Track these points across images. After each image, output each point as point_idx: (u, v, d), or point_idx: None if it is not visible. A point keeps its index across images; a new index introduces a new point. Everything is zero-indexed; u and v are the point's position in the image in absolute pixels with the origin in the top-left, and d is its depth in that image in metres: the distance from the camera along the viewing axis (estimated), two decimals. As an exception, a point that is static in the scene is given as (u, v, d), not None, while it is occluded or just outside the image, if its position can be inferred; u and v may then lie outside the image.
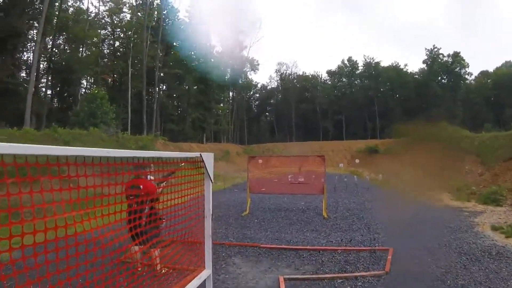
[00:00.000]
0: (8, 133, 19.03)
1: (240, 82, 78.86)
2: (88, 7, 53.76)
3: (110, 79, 53.36)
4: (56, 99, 53.78)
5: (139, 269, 5.58)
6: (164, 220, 6.07)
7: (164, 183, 7.74)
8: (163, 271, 5.93)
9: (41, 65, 46.46)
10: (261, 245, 8.29)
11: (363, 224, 10.93)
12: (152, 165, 7.11)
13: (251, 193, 13.93)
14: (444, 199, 17.55)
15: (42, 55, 45.02)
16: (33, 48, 36.61)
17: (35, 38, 36.14)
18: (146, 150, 26.39)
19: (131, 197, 6.14)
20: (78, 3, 51.20)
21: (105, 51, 57.47)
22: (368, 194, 19.06)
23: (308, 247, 8.21)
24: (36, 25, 37.74)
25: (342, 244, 8.51)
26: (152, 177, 7.98)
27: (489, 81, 75.00)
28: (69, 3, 50.23)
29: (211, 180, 4.49)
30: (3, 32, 33.03)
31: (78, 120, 32.20)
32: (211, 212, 4.62)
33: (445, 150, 26.71)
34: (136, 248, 5.76)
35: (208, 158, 4.37)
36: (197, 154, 4.22)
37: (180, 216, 4.60)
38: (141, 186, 6.15)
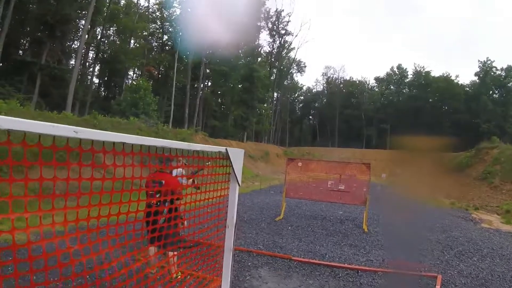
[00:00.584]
0: (46, 116, 18.97)
1: (285, 83, 78.22)
2: (138, 1, 54.04)
3: (154, 71, 53.56)
4: (103, 88, 54.90)
5: (153, 271, 4.94)
6: (184, 220, 5.43)
7: (189, 181, 7.12)
8: (179, 276, 5.32)
9: (90, 54, 47.44)
10: (293, 258, 7.45)
11: (407, 243, 9.92)
12: (180, 159, 6.54)
13: (287, 198, 13.11)
14: (494, 221, 16.24)
15: (92, 45, 45.92)
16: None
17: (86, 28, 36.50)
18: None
19: (151, 194, 5.56)
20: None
21: (153, 44, 57.97)
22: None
23: (345, 265, 7.32)
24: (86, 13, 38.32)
25: (383, 265, 7.57)
26: (181, 172, 7.38)
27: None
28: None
29: (238, 183, 3.70)
30: (53, 18, 33.68)
31: (120, 109, 32.32)
32: (235, 221, 3.86)
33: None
34: (153, 250, 5.17)
35: (237, 156, 3.60)
36: (222, 148, 3.43)
37: (195, 225, 3.90)
38: (163, 182, 5.49)
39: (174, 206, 5.02)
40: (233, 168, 3.54)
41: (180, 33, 52.96)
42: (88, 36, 44.16)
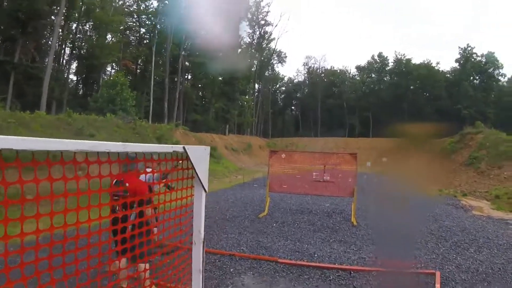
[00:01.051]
0: (17, 116, 18.00)
1: (266, 74, 77.57)
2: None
3: (131, 66, 52.42)
4: (81, 86, 53.60)
5: (124, 286, 4.31)
6: (157, 227, 4.81)
7: (159, 186, 6.50)
8: (153, 288, 4.70)
9: (67, 51, 46.31)
10: (280, 260, 6.82)
11: (399, 236, 9.38)
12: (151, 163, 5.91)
13: (271, 192, 12.49)
14: (484, 208, 15.89)
15: (68, 41, 44.69)
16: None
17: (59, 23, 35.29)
18: (164, 139, 25.43)
19: (115, 197, 4.87)
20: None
21: (130, 38, 56.79)
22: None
23: (336, 265, 6.72)
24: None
25: (377, 263, 7.00)
26: (157, 178, 6.78)
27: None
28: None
29: (204, 188, 2.96)
30: (24, 14, 32.50)
31: (97, 106, 31.36)
32: (202, 237, 3.16)
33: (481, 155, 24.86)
34: (123, 262, 4.50)
35: (200, 155, 2.86)
36: (179, 147, 2.72)
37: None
38: (127, 184, 4.82)
39: (140, 209, 4.42)
40: (196, 171, 2.82)
41: (158, 26, 52.08)
42: (62, 32, 42.99)
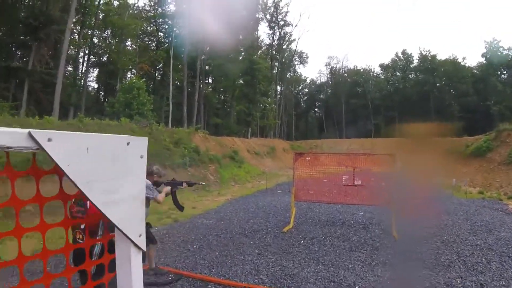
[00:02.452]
0: (22, 122, 16.91)
1: (288, 76, 76.25)
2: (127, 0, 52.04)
3: (149, 69, 51.59)
4: (102, 93, 53.28)
5: None
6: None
7: (161, 195, 5.13)
8: None
9: (85, 58, 46.09)
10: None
11: (454, 254, 7.68)
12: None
13: (297, 201, 10.91)
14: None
15: (85, 48, 44.37)
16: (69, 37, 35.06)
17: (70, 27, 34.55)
18: (182, 143, 24.14)
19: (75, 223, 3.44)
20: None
21: (148, 42, 56.31)
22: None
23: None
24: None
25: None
26: (149, 185, 5.43)
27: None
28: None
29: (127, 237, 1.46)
30: (36, 20, 31.96)
31: (113, 111, 30.37)
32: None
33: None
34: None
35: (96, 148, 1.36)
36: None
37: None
38: (88, 204, 3.40)
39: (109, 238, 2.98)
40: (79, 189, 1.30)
41: (175, 29, 51.31)
42: (78, 38, 42.52)
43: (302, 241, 8.50)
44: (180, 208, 6.15)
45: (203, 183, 8.52)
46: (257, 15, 64.96)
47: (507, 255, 7.65)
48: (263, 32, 71.13)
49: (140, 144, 1.57)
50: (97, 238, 3.57)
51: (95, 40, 47.35)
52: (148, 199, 5.39)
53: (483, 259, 7.35)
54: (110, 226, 3.43)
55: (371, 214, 12.13)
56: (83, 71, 46.04)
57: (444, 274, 6.40)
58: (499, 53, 65.60)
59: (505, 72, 66.99)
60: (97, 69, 51.27)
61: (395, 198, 9.87)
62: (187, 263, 6.81)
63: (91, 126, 19.73)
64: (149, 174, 5.58)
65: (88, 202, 3.34)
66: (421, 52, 76.72)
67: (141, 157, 1.58)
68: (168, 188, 5.76)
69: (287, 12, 70.42)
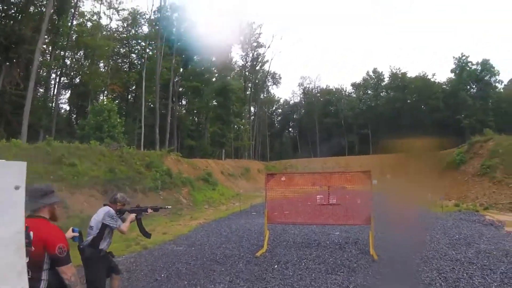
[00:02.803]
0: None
1: (261, 96, 76.59)
2: (100, 22, 51.65)
3: (120, 91, 50.98)
4: (74, 115, 52.26)
5: None
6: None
7: (125, 224, 4.73)
8: None
9: (57, 80, 45.33)
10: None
11: (434, 271, 7.38)
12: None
13: (271, 224, 10.53)
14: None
15: (56, 69, 43.61)
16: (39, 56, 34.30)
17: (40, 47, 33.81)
18: (153, 167, 23.56)
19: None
20: (94, 16, 49.38)
21: (121, 64, 55.89)
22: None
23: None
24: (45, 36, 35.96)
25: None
26: (111, 214, 5.03)
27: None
28: (86, 17, 48.83)
29: None
30: (6, 39, 31.17)
31: (83, 134, 29.57)
32: None
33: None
34: None
35: None
36: None
37: None
38: (32, 233, 2.99)
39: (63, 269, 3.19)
40: None
41: (148, 50, 51.09)
42: (50, 59, 41.72)
43: (276, 266, 8.04)
44: (147, 235, 5.73)
45: (170, 207, 8.08)
46: (230, 37, 65.44)
47: (489, 268, 7.44)
48: (236, 54, 71.14)
49: (15, 171, 1.16)
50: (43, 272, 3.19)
51: (67, 61, 46.90)
52: (111, 229, 4.98)
53: (465, 274, 7.09)
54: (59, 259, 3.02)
55: (347, 233, 11.81)
56: (54, 92, 45.22)
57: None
58: (468, 68, 67.40)
59: (474, 86, 68.78)
60: (69, 91, 50.81)
61: (374, 216, 9.59)
62: (153, 294, 6.34)
63: (60, 149, 19.05)
64: (113, 202, 5.21)
65: (34, 230, 2.97)
66: (391, 70, 78.89)
67: (16, 188, 1.17)
68: (133, 215, 5.35)
69: (260, 33, 70.96)
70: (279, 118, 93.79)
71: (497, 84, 69.83)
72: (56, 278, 3.20)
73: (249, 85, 70.03)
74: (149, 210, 5.64)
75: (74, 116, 51.99)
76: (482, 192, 21.77)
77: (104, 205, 5.19)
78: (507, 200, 18.83)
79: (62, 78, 46.11)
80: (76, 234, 4.07)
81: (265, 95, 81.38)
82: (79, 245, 4.81)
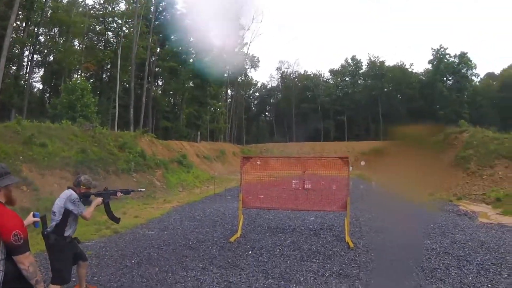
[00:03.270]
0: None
1: (239, 79, 75.93)
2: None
3: (93, 69, 49.72)
4: (47, 94, 50.79)
5: None
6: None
7: (90, 210, 4.43)
8: None
9: (30, 57, 44.13)
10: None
11: (410, 260, 7.29)
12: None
13: (245, 208, 10.33)
14: (488, 213, 14.09)
15: (29, 45, 42.14)
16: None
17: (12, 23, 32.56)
18: (127, 148, 23.04)
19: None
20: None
21: (96, 42, 54.50)
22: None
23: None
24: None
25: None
26: (74, 198, 4.72)
27: (495, 83, 73.17)
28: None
29: None
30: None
31: (55, 113, 28.72)
32: None
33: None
34: None
35: None
36: None
37: None
38: None
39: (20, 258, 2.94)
40: None
41: (124, 28, 50.02)
42: (23, 35, 40.33)
43: (250, 252, 7.85)
44: (116, 220, 5.43)
45: (143, 190, 7.74)
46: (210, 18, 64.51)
47: (465, 259, 7.39)
48: (215, 35, 69.88)
49: None
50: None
51: (41, 38, 45.47)
52: (75, 215, 4.68)
53: (441, 265, 7.03)
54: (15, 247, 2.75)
55: (322, 219, 11.73)
56: (27, 70, 43.81)
57: (402, 283, 6.01)
58: (446, 60, 68.21)
59: (450, 78, 69.82)
60: (43, 69, 49.36)
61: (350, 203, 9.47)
62: (123, 282, 6.04)
63: (30, 129, 18.37)
64: (76, 185, 4.87)
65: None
66: (370, 58, 79.14)
67: None
68: (99, 199, 5.03)
69: (239, 15, 69.90)
70: (256, 101, 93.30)
71: (473, 78, 71.27)
72: (14, 269, 2.92)
73: (227, 67, 69.26)
74: (119, 194, 5.34)
75: (48, 95, 50.54)
76: (455, 182, 22.00)
77: (68, 188, 4.86)
78: (480, 191, 19.03)
79: (35, 56, 45.00)
80: (37, 219, 3.73)
81: (242, 78, 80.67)
82: (43, 231, 4.51)
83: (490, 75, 75.50)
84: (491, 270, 6.69)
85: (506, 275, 6.38)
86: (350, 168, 23.44)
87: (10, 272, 2.91)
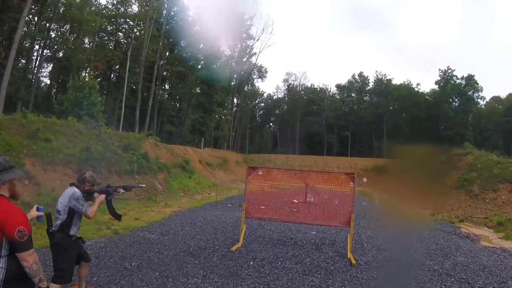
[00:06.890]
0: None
1: (246, 89, 76.09)
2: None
3: (102, 68, 49.77)
4: (54, 90, 50.96)
5: None
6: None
7: (93, 208, 4.38)
8: None
9: (40, 52, 44.30)
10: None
11: (412, 281, 7.21)
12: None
13: (248, 217, 10.23)
14: (490, 237, 13.97)
15: (40, 40, 42.37)
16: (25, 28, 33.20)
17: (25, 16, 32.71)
18: (130, 149, 23.03)
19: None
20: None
21: (106, 42, 54.71)
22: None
23: None
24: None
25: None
26: (76, 196, 4.67)
27: (500, 107, 73.17)
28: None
29: None
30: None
31: (62, 110, 28.75)
32: None
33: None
34: None
35: None
36: None
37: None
38: None
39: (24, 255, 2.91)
40: None
41: (135, 30, 50.28)
42: (35, 29, 40.51)
43: (251, 262, 7.78)
44: (117, 217, 5.40)
45: (143, 185, 7.68)
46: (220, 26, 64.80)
47: (467, 282, 7.31)
48: (225, 43, 70.16)
49: None
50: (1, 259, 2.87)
51: (52, 33, 45.60)
52: (79, 213, 4.63)
53: (443, 286, 6.96)
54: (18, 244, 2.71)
55: (324, 234, 11.64)
56: (36, 64, 44.06)
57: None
58: (452, 82, 68.32)
59: (456, 100, 69.80)
60: (51, 64, 49.27)
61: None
62: (123, 284, 5.97)
63: (36, 123, 18.37)
64: (81, 181, 4.82)
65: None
66: (377, 76, 79.15)
67: None
68: (102, 196, 4.98)
69: (250, 25, 70.16)
70: (261, 112, 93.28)
71: (479, 100, 71.49)
72: (17, 266, 2.87)
73: (235, 76, 69.39)
74: (121, 190, 5.29)
75: (54, 90, 50.61)
76: (458, 205, 21.86)
77: (71, 184, 4.81)
78: (482, 215, 18.92)
79: (45, 51, 45.06)
80: (41, 213, 3.67)
81: (249, 88, 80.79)
82: (48, 229, 4.47)
83: (495, 99, 75.63)
84: (493, 295, 6.62)
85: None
86: (364, 179, 23.31)
87: (13, 270, 2.86)
